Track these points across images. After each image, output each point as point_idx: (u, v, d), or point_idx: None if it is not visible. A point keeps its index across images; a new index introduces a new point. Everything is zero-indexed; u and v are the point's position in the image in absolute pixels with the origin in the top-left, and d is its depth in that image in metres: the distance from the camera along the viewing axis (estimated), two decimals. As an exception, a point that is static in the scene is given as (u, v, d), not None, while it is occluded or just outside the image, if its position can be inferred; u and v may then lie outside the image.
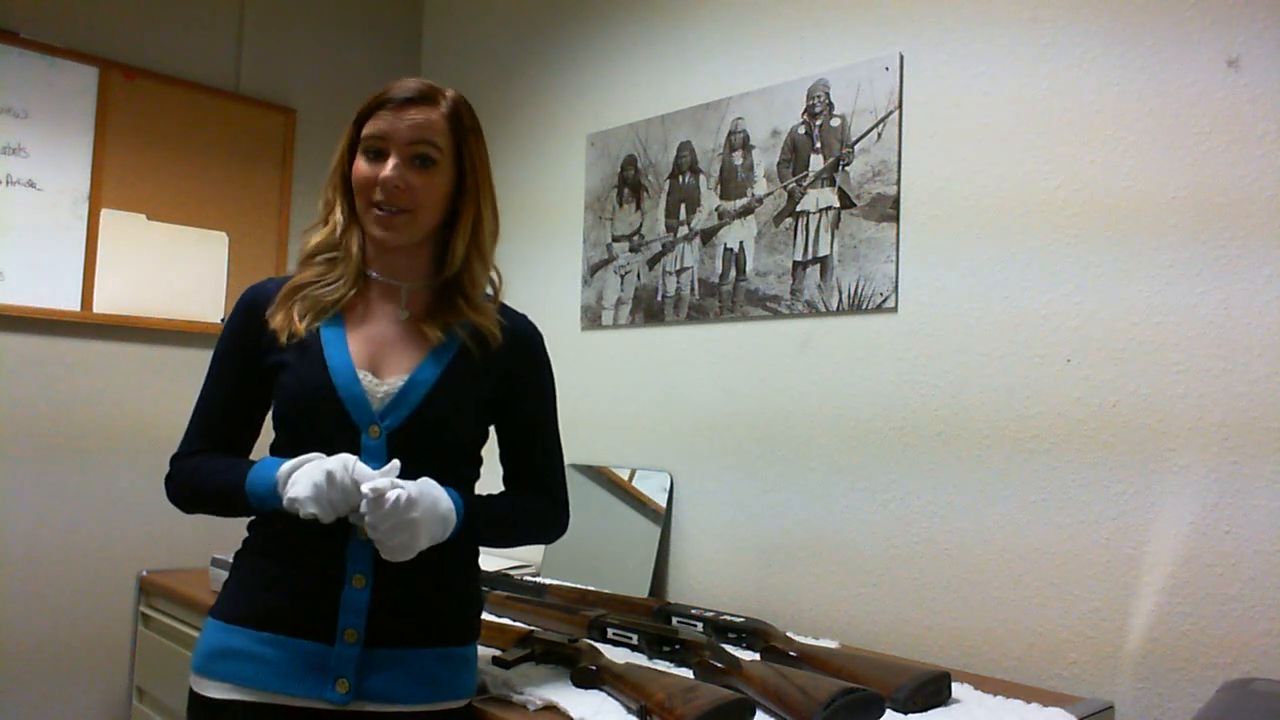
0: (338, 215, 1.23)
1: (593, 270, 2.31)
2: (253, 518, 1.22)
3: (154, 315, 2.36)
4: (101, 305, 2.28)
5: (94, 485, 2.27)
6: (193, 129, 2.46)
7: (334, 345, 1.18)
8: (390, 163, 1.17)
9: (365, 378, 1.17)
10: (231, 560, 1.24)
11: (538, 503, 1.31)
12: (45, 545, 2.20)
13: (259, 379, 1.21)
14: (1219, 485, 1.35)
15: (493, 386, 1.25)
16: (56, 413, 2.23)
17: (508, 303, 1.34)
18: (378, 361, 1.19)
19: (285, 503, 1.08)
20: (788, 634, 1.56)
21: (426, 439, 1.17)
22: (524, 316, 1.33)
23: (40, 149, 2.20)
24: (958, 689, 1.36)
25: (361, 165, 1.19)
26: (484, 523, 1.21)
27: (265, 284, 1.26)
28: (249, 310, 1.23)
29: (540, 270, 2.46)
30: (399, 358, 1.20)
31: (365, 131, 1.19)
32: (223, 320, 1.29)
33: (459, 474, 1.22)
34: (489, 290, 1.30)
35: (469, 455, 1.25)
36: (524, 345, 1.30)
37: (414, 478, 1.14)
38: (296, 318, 1.18)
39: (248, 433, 1.25)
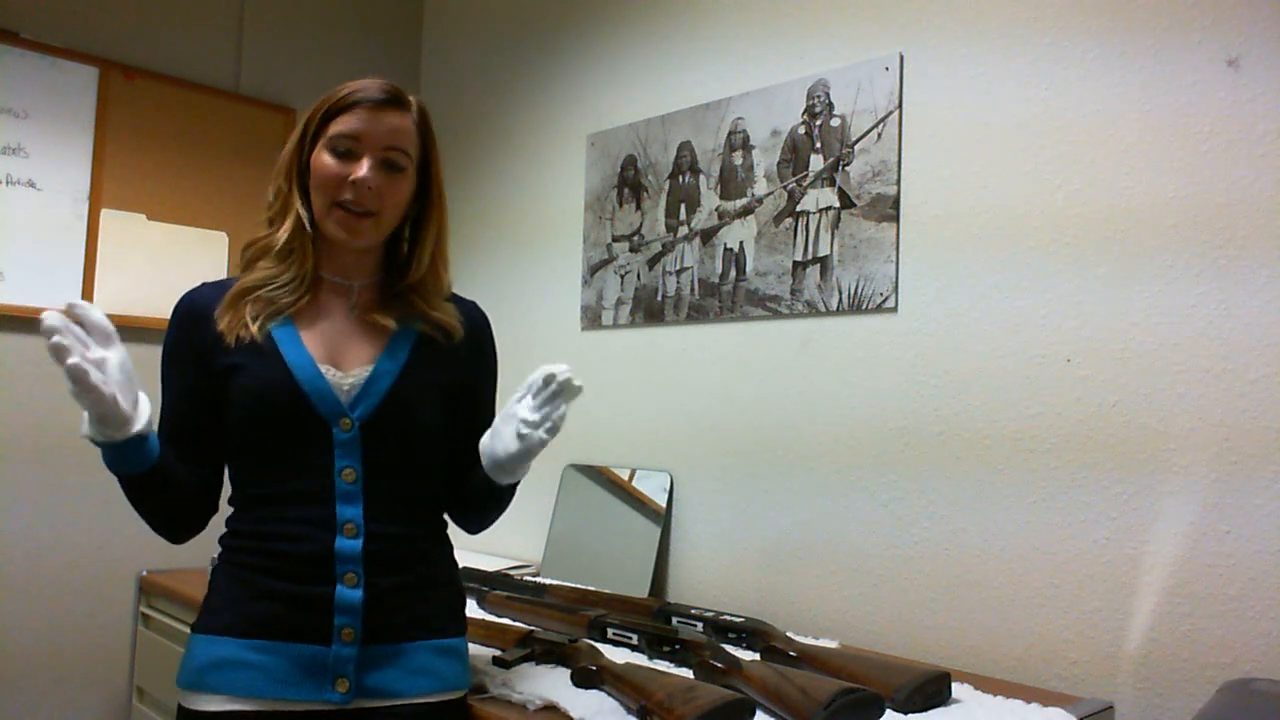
0: (299, 209, 1.20)
1: (593, 270, 2.31)
2: (227, 529, 1.19)
3: (154, 315, 2.36)
4: (101, 305, 2.23)
5: (94, 485, 2.24)
6: (193, 129, 2.45)
7: (289, 344, 1.17)
8: (366, 163, 1.16)
9: (329, 371, 1.16)
10: (210, 572, 1.21)
11: None
12: (45, 545, 2.20)
13: (211, 384, 1.17)
14: (1219, 485, 1.35)
15: (456, 374, 1.26)
16: (56, 413, 2.21)
17: (482, 301, 1.38)
18: (337, 356, 1.19)
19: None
20: (788, 634, 1.56)
21: (399, 426, 1.18)
22: (474, 304, 1.36)
23: (40, 149, 2.20)
24: (958, 689, 1.36)
25: (329, 161, 1.17)
26: None
27: (200, 289, 1.23)
28: (189, 316, 1.21)
29: (540, 270, 2.46)
30: (358, 350, 1.20)
31: (336, 129, 1.17)
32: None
33: (432, 459, 1.23)
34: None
35: (440, 440, 1.24)
36: (478, 334, 1.33)
37: (388, 465, 1.16)
38: (249, 319, 1.16)
39: (217, 440, 1.20)
